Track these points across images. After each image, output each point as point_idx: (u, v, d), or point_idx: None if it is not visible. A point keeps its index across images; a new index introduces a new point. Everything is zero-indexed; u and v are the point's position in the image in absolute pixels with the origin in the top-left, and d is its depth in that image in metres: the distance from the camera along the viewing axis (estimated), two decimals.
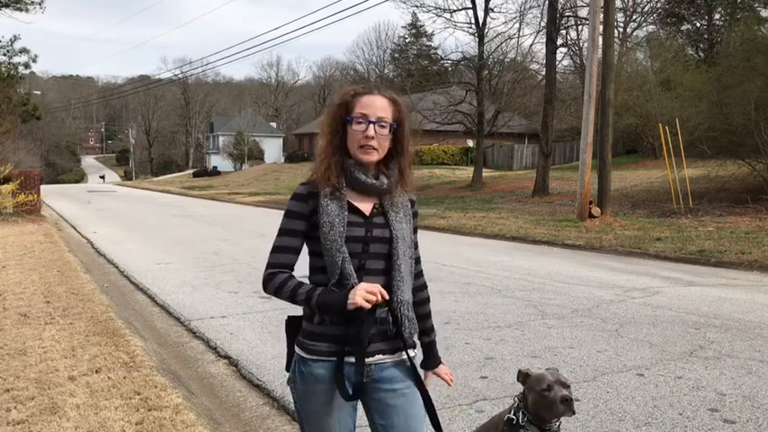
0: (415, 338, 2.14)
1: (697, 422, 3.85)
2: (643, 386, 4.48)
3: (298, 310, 2.10)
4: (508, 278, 8.90)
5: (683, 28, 36.49)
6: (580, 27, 27.14)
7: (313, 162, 2.13)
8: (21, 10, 23.34)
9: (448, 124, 30.64)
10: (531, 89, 29.64)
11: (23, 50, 23.89)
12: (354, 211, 2.03)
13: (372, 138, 2.00)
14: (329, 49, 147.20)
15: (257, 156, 62.99)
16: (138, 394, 4.12)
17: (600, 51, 15.45)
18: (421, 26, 58.18)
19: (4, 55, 23.76)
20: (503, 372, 4.80)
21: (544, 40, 25.21)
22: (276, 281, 2.03)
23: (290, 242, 2.06)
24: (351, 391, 1.97)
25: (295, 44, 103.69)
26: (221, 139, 68.39)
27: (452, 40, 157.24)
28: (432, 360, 2.28)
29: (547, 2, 24.81)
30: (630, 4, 30.96)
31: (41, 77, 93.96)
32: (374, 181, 2.05)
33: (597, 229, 14.14)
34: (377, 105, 2.02)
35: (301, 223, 2.05)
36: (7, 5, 23.04)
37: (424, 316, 2.23)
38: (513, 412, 2.42)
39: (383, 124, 2.02)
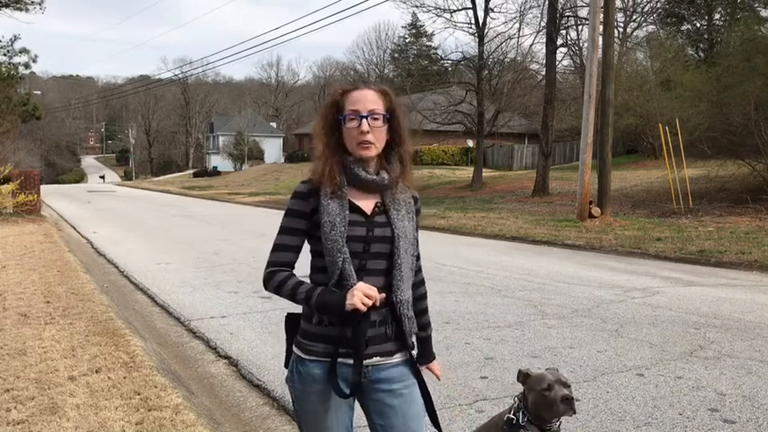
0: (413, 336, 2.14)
1: (697, 422, 3.85)
2: (643, 386, 4.48)
3: (298, 308, 2.10)
4: (508, 278, 8.90)
5: (683, 28, 36.49)
6: (580, 27, 27.15)
7: (312, 163, 2.11)
8: (21, 10, 23.33)
9: (448, 124, 30.64)
10: (531, 89, 29.64)
11: (23, 50, 23.89)
12: (356, 210, 2.02)
13: (368, 132, 1.99)
14: (329, 49, 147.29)
15: (257, 156, 62.99)
16: (138, 394, 4.12)
17: (600, 51, 15.45)
18: (421, 26, 58.22)
19: (5, 55, 23.78)
20: (503, 372, 4.80)
21: (544, 40, 25.20)
22: (276, 279, 2.03)
23: (290, 241, 2.06)
24: (348, 390, 1.97)
25: (295, 44, 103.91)
26: (221, 139, 68.40)
27: (452, 40, 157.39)
28: (426, 356, 2.29)
29: (547, 2, 24.81)
30: (630, 4, 30.97)
31: (41, 77, 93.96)
32: (375, 176, 2.04)
33: (597, 229, 14.13)
34: (367, 99, 2.01)
35: (302, 222, 2.04)
36: (7, 5, 23.04)
37: (421, 311, 2.23)
38: (513, 412, 2.42)
39: (376, 116, 2.00)
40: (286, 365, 2.13)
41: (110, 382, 4.33)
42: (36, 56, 24.36)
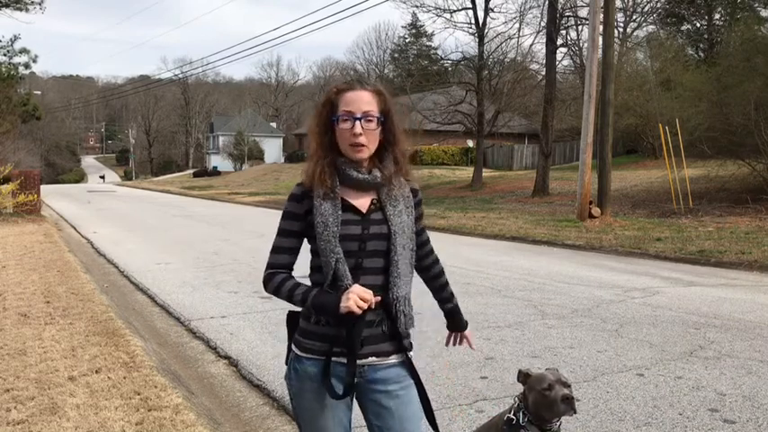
0: (411, 332, 2.12)
1: (697, 422, 3.85)
2: (643, 386, 4.48)
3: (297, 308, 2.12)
4: (508, 278, 8.90)
5: (683, 28, 36.49)
6: (580, 27, 27.14)
7: (306, 162, 2.12)
8: (21, 10, 23.32)
9: (448, 124, 30.64)
10: (531, 89, 29.63)
11: (23, 51, 23.87)
12: (351, 209, 2.02)
13: (360, 134, 1.98)
14: (329, 49, 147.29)
15: (257, 156, 62.99)
16: (138, 394, 4.12)
17: (600, 51, 15.45)
18: (421, 26, 58.21)
19: (5, 55, 23.76)
20: (503, 372, 4.80)
21: (544, 40, 25.19)
22: (275, 281, 2.05)
23: (287, 243, 2.08)
24: (341, 391, 1.97)
25: (295, 44, 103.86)
26: (221, 139, 68.41)
27: (452, 40, 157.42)
28: (454, 323, 2.39)
29: (547, 2, 24.81)
30: (630, 4, 30.96)
31: (41, 77, 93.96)
32: (366, 175, 2.03)
33: (597, 229, 14.13)
34: (362, 100, 2.00)
35: (297, 224, 2.06)
36: (7, 5, 23.03)
37: (441, 287, 2.33)
38: (513, 412, 2.42)
39: (370, 118, 1.99)
40: (287, 363, 2.14)
41: (110, 382, 4.33)
42: (36, 56, 24.38)
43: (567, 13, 25.74)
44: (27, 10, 23.41)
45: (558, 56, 26.37)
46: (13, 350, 5.10)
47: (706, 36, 35.05)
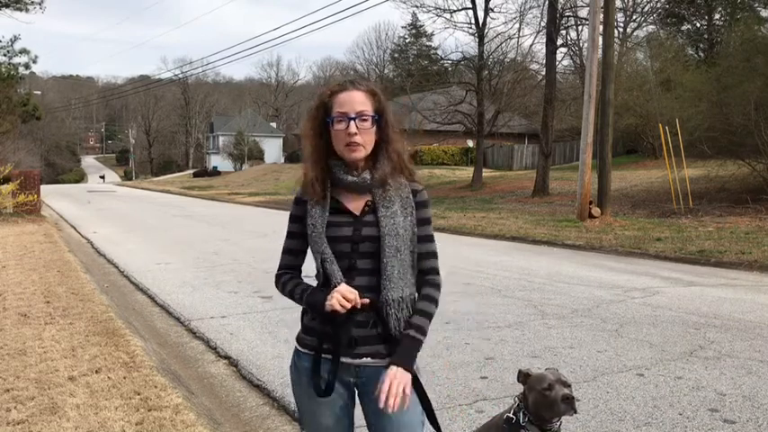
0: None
1: (697, 422, 3.85)
2: (643, 386, 4.48)
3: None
4: (508, 278, 8.90)
5: (683, 28, 36.49)
6: (580, 27, 27.13)
7: (302, 165, 2.15)
8: (21, 10, 23.32)
9: (448, 124, 30.64)
10: (531, 89, 29.63)
11: (23, 51, 23.86)
12: (344, 211, 2.04)
13: (356, 134, 1.98)
14: (329, 49, 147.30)
15: (257, 156, 63.00)
16: (138, 394, 4.12)
17: (600, 51, 15.45)
18: (421, 26, 58.22)
19: (5, 55, 23.75)
20: (503, 372, 4.80)
21: (544, 41, 25.19)
22: (281, 282, 2.15)
23: (293, 245, 2.15)
24: (323, 387, 2.00)
25: (295, 44, 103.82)
26: (221, 139, 68.41)
27: (452, 40, 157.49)
28: (395, 354, 1.97)
29: (547, 2, 24.81)
30: (630, 4, 30.97)
31: (41, 77, 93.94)
32: (356, 178, 2.03)
33: (597, 229, 14.13)
34: (355, 100, 2.00)
35: (298, 226, 2.12)
36: (7, 5, 23.02)
37: (415, 310, 2.05)
38: (513, 412, 2.42)
39: (364, 118, 1.99)
40: None
41: (110, 382, 4.33)
42: (36, 56, 24.35)
43: (567, 13, 25.75)
44: (27, 10, 23.42)
45: (558, 56, 26.40)
46: (13, 350, 5.10)
47: (706, 36, 35.05)
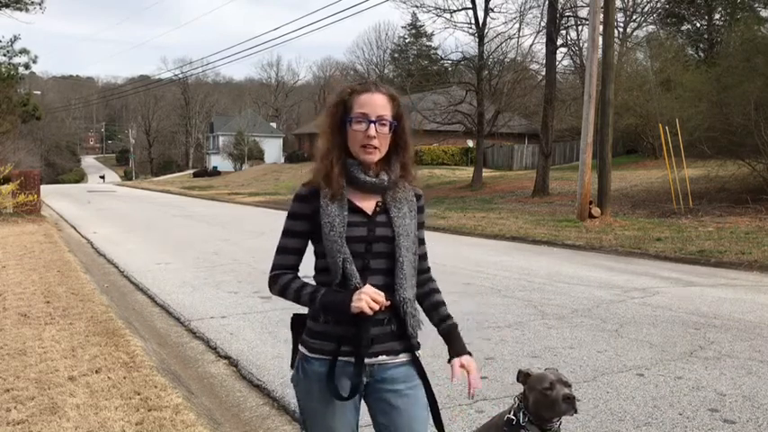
0: (419, 334, 2.12)
1: (697, 422, 3.85)
2: (643, 386, 4.48)
3: (302, 309, 2.11)
4: (508, 278, 8.90)
5: (683, 28, 36.49)
6: (580, 27, 27.14)
7: (313, 162, 2.12)
8: (21, 10, 23.31)
9: (448, 124, 30.62)
10: (531, 89, 29.63)
11: (23, 51, 23.85)
12: (357, 210, 2.03)
13: (374, 137, 1.99)
14: (329, 49, 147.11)
15: (257, 156, 62.98)
16: (138, 394, 4.12)
17: (600, 51, 15.45)
18: (421, 26, 58.18)
19: (4, 56, 23.75)
20: (503, 372, 4.80)
21: (544, 40, 25.19)
22: (281, 282, 2.06)
23: (292, 243, 2.08)
24: (347, 392, 1.97)
25: (295, 44, 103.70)
26: (221, 139, 68.39)
27: (452, 40, 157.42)
28: (454, 347, 2.16)
29: (547, 2, 24.80)
30: (630, 4, 30.96)
31: (41, 77, 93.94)
32: (374, 179, 2.04)
33: (597, 229, 14.13)
34: (376, 103, 2.00)
35: (303, 224, 2.05)
36: (7, 5, 23.02)
37: (436, 305, 2.19)
38: (513, 412, 2.41)
39: (384, 122, 2.00)
40: (292, 366, 2.13)
41: (110, 382, 4.33)
42: (36, 56, 24.35)
43: (567, 13, 25.74)
44: (27, 10, 23.42)
45: (558, 56, 26.39)
46: (13, 350, 5.10)
47: (706, 36, 35.05)
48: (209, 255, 11.44)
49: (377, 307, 1.92)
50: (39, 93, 54.04)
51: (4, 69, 23.73)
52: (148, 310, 7.44)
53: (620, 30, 29.86)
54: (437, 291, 2.22)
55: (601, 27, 15.44)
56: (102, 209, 24.16)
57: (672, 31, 34.91)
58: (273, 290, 2.08)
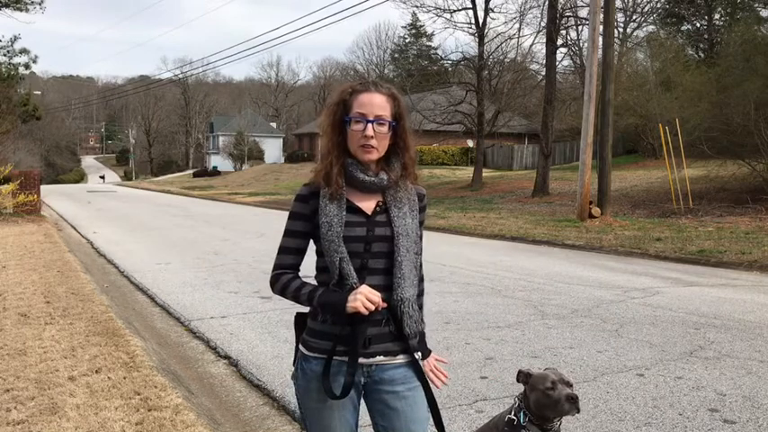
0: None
1: (697, 422, 3.85)
2: (643, 386, 4.48)
3: (304, 308, 2.12)
4: (508, 278, 8.90)
5: (683, 28, 36.51)
6: (580, 27, 27.17)
7: (316, 162, 2.12)
8: (21, 10, 23.29)
9: (448, 124, 30.63)
10: (531, 89, 29.67)
11: (24, 51, 23.84)
12: (356, 210, 2.03)
13: (372, 137, 1.99)
14: (329, 50, 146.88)
15: (257, 156, 63.00)
16: (138, 394, 4.11)
17: (600, 51, 15.46)
18: (421, 26, 58.23)
19: (5, 56, 23.73)
20: (503, 372, 4.79)
21: (544, 41, 25.20)
22: (281, 281, 2.07)
23: (293, 243, 2.08)
24: (339, 392, 1.97)
25: (295, 44, 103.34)
26: (221, 139, 68.39)
27: (452, 41, 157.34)
28: (423, 351, 2.18)
29: (547, 2, 24.81)
30: (630, 4, 31.02)
31: (41, 77, 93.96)
32: (373, 178, 2.04)
33: (597, 229, 14.13)
34: (375, 103, 2.00)
35: (303, 224, 2.06)
36: (7, 5, 23.01)
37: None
38: (513, 413, 2.41)
39: (382, 122, 2.00)
40: (294, 364, 2.15)
41: (110, 382, 4.32)
42: (36, 56, 24.33)
43: (567, 13, 25.74)
44: (27, 10, 23.40)
45: (558, 56, 26.42)
46: (13, 350, 5.10)
47: (706, 36, 35.06)
48: (210, 255, 11.44)
49: (372, 307, 1.91)
50: (39, 93, 53.99)
51: (4, 69, 23.72)
52: (148, 310, 7.44)
53: (620, 30, 29.91)
54: (421, 293, 2.22)
55: (601, 27, 15.45)
56: (102, 209, 24.16)
57: (672, 31, 34.93)
58: (274, 289, 2.09)
